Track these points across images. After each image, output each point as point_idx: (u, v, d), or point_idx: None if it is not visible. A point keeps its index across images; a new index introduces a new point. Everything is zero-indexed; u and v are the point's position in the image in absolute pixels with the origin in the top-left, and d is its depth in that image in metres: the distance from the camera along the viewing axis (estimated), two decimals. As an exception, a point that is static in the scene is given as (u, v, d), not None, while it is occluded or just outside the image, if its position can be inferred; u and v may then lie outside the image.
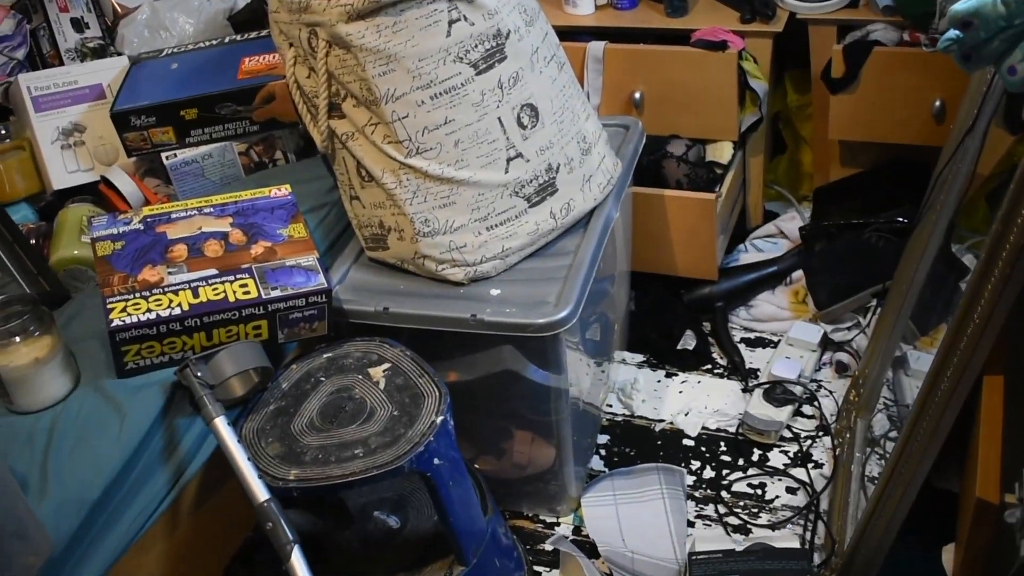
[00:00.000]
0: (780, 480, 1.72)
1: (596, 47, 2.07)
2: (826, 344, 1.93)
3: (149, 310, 1.31)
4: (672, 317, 2.04)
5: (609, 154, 1.67)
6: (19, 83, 1.82)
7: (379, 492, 1.48)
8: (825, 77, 1.98)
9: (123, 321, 1.29)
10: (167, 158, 1.73)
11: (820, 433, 1.78)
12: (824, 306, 1.97)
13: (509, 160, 1.49)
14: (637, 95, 2.05)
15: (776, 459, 1.75)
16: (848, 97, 1.95)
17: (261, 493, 1.20)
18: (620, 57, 2.06)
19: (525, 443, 1.63)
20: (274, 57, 1.74)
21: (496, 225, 1.50)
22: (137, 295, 1.33)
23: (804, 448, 1.76)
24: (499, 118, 1.47)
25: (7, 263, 1.58)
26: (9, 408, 1.32)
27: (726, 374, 1.95)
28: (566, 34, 1.93)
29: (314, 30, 1.45)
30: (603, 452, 1.81)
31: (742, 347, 1.99)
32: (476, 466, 1.60)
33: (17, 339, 1.29)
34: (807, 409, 1.83)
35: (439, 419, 1.28)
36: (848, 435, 1.72)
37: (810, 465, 1.73)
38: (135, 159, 1.76)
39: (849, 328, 1.96)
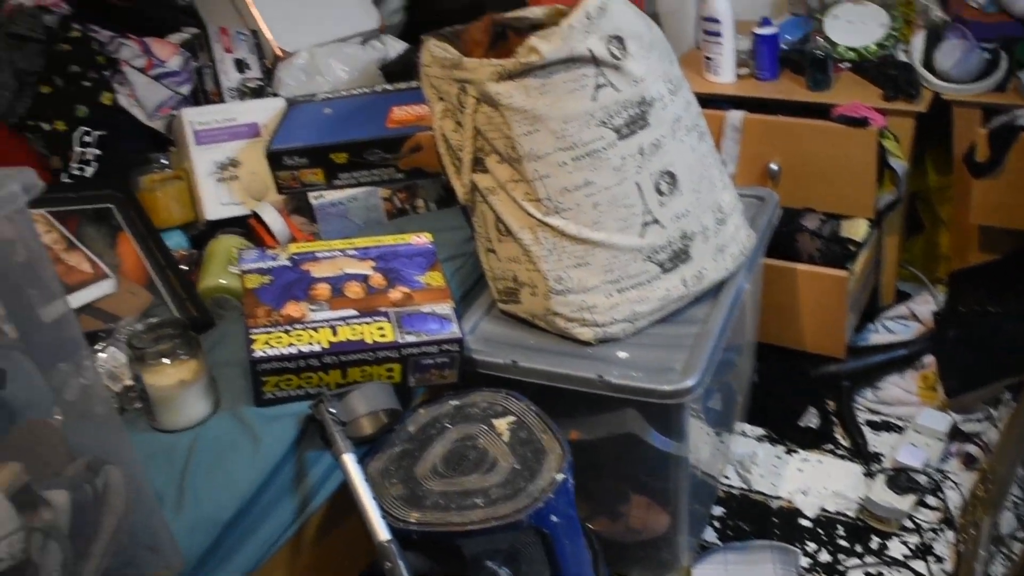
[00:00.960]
0: (899, 572, 1.67)
1: (735, 116, 2.08)
2: (954, 434, 1.88)
3: (290, 344, 1.36)
4: (796, 392, 2.02)
5: (744, 225, 1.67)
6: (182, 117, 1.92)
7: (494, 543, 1.49)
8: (968, 160, 1.95)
9: (265, 353, 1.35)
10: (315, 198, 1.80)
11: (943, 526, 1.73)
12: (955, 394, 1.92)
13: (645, 225, 1.51)
14: (774, 166, 2.05)
15: (896, 549, 1.71)
16: (991, 182, 1.92)
17: (383, 532, 1.23)
18: (759, 127, 2.07)
19: (641, 507, 1.63)
20: (423, 108, 1.80)
21: (628, 288, 1.52)
22: (280, 329, 1.38)
23: (925, 540, 1.71)
24: (638, 183, 1.50)
25: (159, 286, 1.67)
26: (152, 425, 1.39)
27: (848, 456, 1.91)
28: (706, 101, 1.94)
29: (464, 86, 1.50)
30: (717, 524, 1.79)
31: (866, 429, 1.95)
32: (590, 526, 1.61)
33: (166, 361, 1.36)
34: (931, 500, 1.78)
35: (559, 476, 1.29)
36: (973, 531, 1.66)
37: (931, 559, 1.68)
38: (284, 196, 1.83)
39: (980, 419, 1.91)
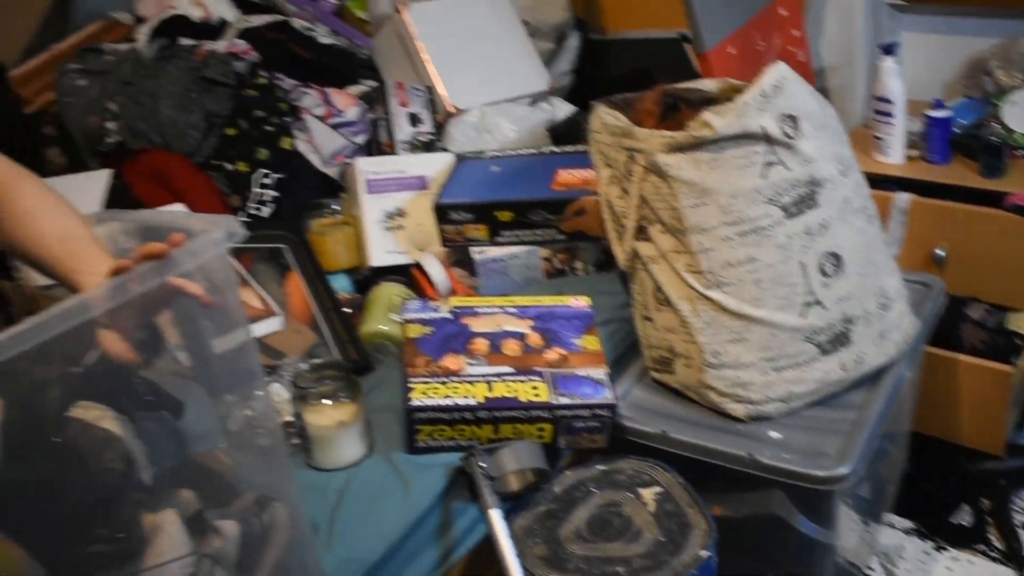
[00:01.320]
0: None
1: (903, 199, 2.04)
2: (1119, 547, 1.79)
3: (447, 396, 1.40)
4: (949, 487, 1.95)
5: (907, 312, 1.64)
6: (356, 165, 2.00)
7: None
8: None
9: (421, 402, 1.39)
10: (477, 253, 1.84)
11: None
12: (1122, 505, 1.83)
13: (806, 305, 1.49)
14: (940, 252, 2.01)
15: (1047, 661, 1.63)
16: None
17: (524, 591, 1.24)
18: (926, 212, 2.03)
19: (781, 592, 1.60)
20: (589, 173, 1.83)
21: (784, 368, 1.50)
22: (437, 380, 1.42)
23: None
24: (802, 263, 1.48)
25: (323, 327, 1.73)
26: (307, 462, 1.44)
27: (1001, 559, 1.83)
28: (873, 181, 1.91)
29: (633, 155, 1.52)
30: (857, 615, 1.75)
31: (1023, 533, 1.87)
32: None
33: (327, 402, 1.42)
34: (1089, 614, 1.69)
35: (704, 554, 1.29)
36: None
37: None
38: (447, 249, 1.88)
39: None
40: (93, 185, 1.95)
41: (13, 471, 0.99)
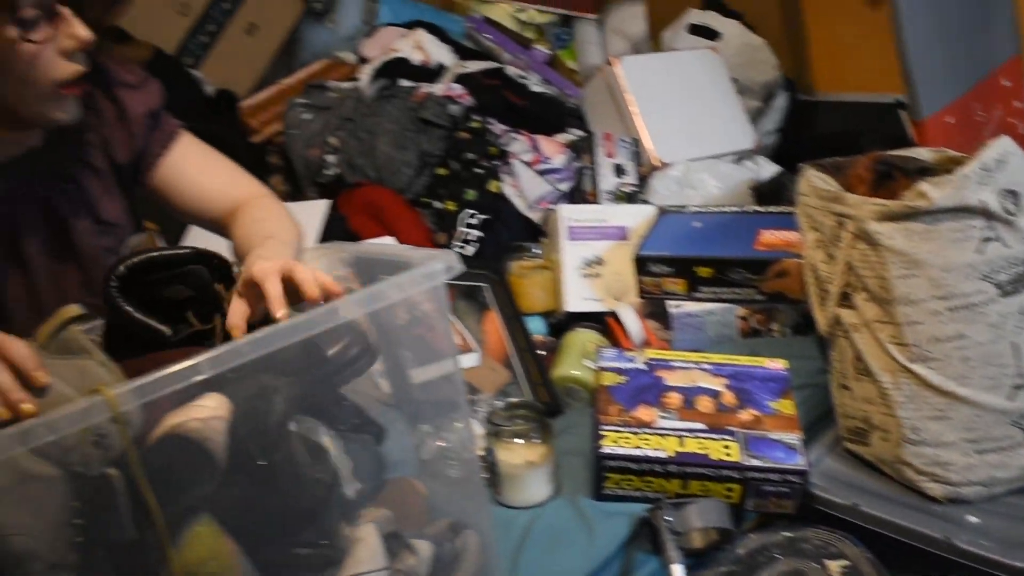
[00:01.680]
0: None
1: None
2: None
3: (638, 447, 1.41)
4: None
5: None
6: (559, 212, 2.05)
7: None
8: None
9: (612, 450, 1.41)
10: (673, 307, 1.85)
11: None
12: None
13: (1016, 388, 1.44)
14: None
15: None
16: None
17: (702, 650, 1.24)
18: None
19: None
20: (793, 235, 1.82)
21: (988, 451, 1.44)
22: (629, 429, 1.44)
23: None
24: (1014, 344, 1.43)
25: (516, 366, 1.78)
26: (495, 497, 1.48)
27: None
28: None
29: (842, 220, 1.50)
30: None
31: None
32: None
33: (519, 441, 1.46)
34: None
35: (891, 634, 1.25)
36: None
37: None
38: (643, 300, 1.90)
39: None
40: (312, 213, 2.08)
41: (235, 470, 1.06)
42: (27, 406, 0.98)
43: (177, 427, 1.02)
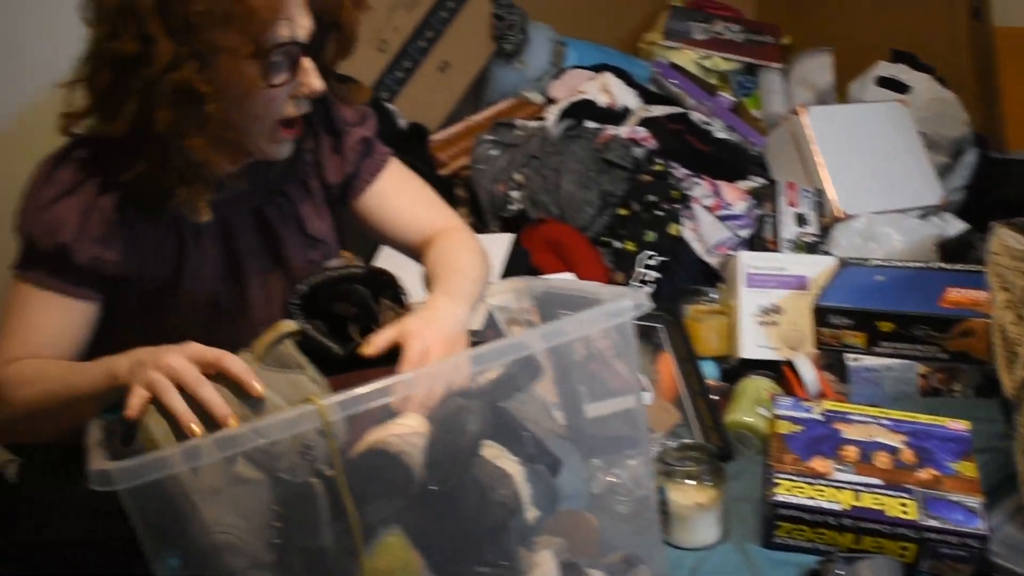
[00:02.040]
0: None
1: None
2: None
3: (811, 497, 1.41)
4: None
5: None
6: (739, 258, 2.05)
7: None
8: None
9: (785, 498, 1.41)
10: (851, 360, 1.83)
11: None
12: None
13: None
14: None
15: None
16: None
17: None
18: None
19: None
20: (980, 294, 1.78)
21: None
22: (804, 479, 1.44)
23: None
24: None
25: (687, 408, 1.80)
26: (663, 536, 1.50)
27: None
28: None
29: (1036, 282, 1.47)
30: None
31: None
32: None
33: (691, 482, 1.47)
34: None
35: None
36: None
37: None
38: (820, 351, 1.89)
39: None
40: (496, 247, 2.15)
41: (429, 485, 1.13)
42: (233, 422, 1.07)
43: (379, 441, 1.09)
